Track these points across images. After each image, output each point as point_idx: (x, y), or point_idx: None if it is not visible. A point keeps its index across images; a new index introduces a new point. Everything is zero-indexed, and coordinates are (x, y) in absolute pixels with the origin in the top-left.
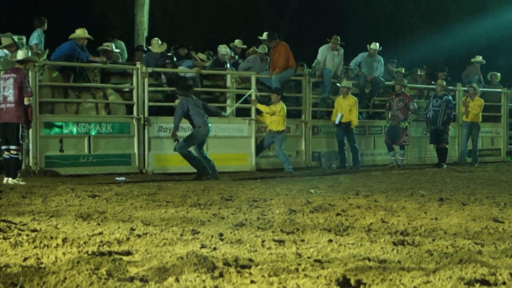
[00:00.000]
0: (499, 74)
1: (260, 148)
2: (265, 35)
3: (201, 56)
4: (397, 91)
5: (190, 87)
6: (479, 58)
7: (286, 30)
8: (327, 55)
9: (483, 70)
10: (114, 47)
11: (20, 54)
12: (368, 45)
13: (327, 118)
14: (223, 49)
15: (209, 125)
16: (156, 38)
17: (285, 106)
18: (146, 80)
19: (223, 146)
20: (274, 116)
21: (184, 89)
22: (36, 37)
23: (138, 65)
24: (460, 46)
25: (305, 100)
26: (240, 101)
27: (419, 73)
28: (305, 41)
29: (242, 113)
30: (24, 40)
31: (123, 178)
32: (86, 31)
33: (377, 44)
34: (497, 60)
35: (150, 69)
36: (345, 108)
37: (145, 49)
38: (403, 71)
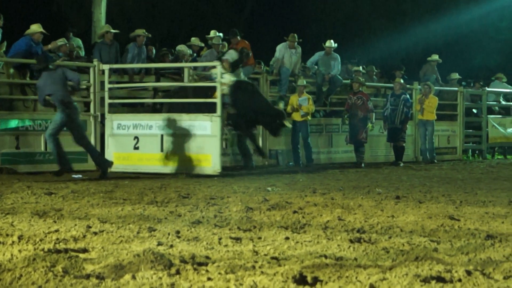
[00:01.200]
0: (457, 73)
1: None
2: (212, 33)
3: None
4: (355, 90)
5: (48, 60)
6: (436, 56)
7: (243, 27)
8: (285, 53)
9: (441, 69)
10: (66, 42)
11: None
12: (323, 43)
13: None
14: (184, 48)
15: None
16: (107, 25)
17: None
18: (106, 75)
19: (180, 144)
20: None
21: (44, 61)
22: None
23: (95, 62)
24: (417, 44)
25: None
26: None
27: (375, 70)
28: (263, 39)
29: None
30: None
31: (80, 176)
32: (41, 26)
33: (332, 41)
34: (457, 59)
35: (106, 66)
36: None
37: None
38: (361, 69)
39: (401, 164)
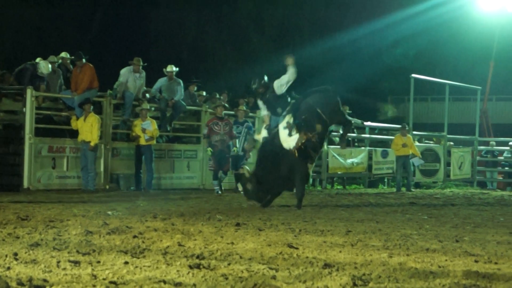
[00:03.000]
0: None
1: None
2: (63, 54)
3: None
4: (219, 115)
5: None
6: None
7: (88, 50)
8: (129, 77)
9: None
10: None
11: None
12: (164, 69)
13: (127, 140)
14: (45, 66)
15: None
16: None
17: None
18: None
19: None
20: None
21: None
22: None
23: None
24: (261, 74)
25: (105, 121)
26: None
27: (218, 96)
28: (107, 62)
29: None
30: None
31: None
32: None
33: (173, 66)
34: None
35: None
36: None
37: None
38: (204, 94)
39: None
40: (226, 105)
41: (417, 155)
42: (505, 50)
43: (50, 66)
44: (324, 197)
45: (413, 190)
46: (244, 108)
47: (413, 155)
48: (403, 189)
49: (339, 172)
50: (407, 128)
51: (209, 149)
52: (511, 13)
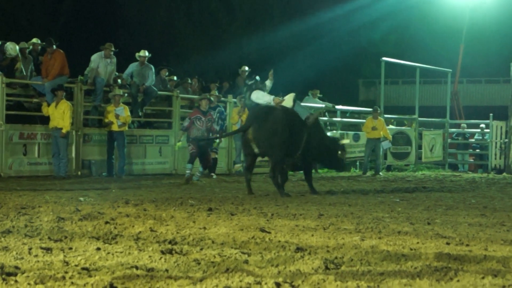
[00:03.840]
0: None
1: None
2: (35, 40)
3: None
4: (203, 108)
5: None
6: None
7: (58, 36)
8: (100, 63)
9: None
10: None
11: None
12: (136, 53)
13: (99, 126)
14: (13, 47)
15: None
16: None
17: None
18: None
19: None
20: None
21: None
22: None
23: None
24: (232, 58)
25: (76, 107)
26: None
27: (189, 81)
28: (78, 48)
29: None
30: None
31: None
32: None
33: (146, 51)
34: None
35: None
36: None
37: None
38: (175, 79)
39: (214, 176)
40: (216, 93)
41: (388, 138)
42: (475, 33)
43: (17, 47)
44: (296, 181)
45: (381, 174)
46: (216, 93)
47: (385, 138)
48: (371, 172)
49: None
50: (379, 111)
51: (179, 143)
52: None
